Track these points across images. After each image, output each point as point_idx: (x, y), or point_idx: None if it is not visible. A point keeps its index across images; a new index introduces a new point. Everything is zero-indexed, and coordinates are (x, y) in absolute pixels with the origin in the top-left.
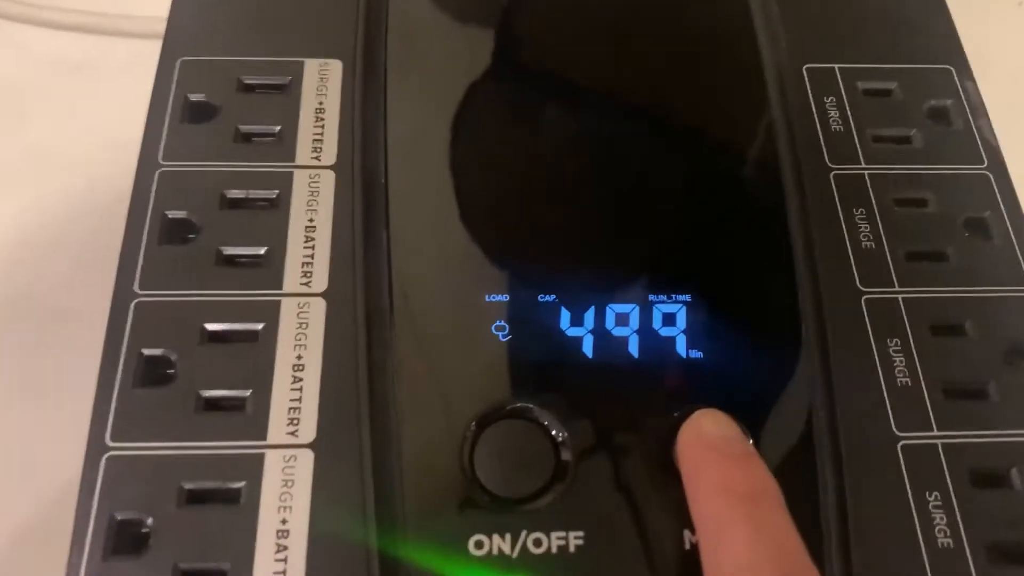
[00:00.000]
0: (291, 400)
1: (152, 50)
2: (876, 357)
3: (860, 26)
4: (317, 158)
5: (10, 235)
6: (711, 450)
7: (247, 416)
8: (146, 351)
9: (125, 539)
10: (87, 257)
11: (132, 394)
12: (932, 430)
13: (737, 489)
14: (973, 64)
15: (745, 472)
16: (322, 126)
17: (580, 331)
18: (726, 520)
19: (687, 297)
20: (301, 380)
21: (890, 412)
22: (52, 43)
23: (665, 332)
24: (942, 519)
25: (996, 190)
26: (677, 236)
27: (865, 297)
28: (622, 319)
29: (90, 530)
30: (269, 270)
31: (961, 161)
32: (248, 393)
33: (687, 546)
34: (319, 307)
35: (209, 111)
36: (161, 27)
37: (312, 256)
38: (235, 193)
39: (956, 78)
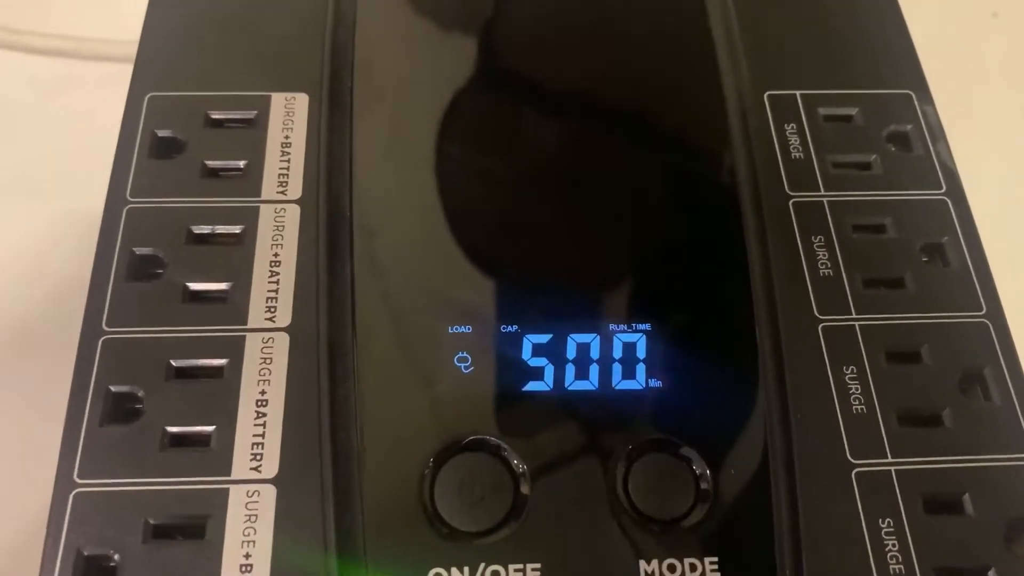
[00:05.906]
0: (254, 435)
1: (129, 73)
2: (832, 384)
3: (822, 51)
4: (283, 192)
5: None
6: None
7: (212, 452)
8: (114, 388)
9: (92, 574)
10: (63, 286)
11: (99, 431)
12: (886, 457)
13: None
14: (948, 74)
15: None
16: (288, 160)
17: (541, 361)
18: None
19: (646, 326)
20: (264, 415)
21: (845, 439)
22: (30, 67)
23: (624, 362)
24: (894, 545)
25: (954, 215)
26: (636, 264)
27: (822, 325)
28: (583, 349)
29: (57, 566)
30: (234, 305)
31: (920, 187)
32: (212, 429)
33: None
34: (283, 342)
35: (176, 146)
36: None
37: (276, 291)
38: (201, 229)
39: (916, 103)
